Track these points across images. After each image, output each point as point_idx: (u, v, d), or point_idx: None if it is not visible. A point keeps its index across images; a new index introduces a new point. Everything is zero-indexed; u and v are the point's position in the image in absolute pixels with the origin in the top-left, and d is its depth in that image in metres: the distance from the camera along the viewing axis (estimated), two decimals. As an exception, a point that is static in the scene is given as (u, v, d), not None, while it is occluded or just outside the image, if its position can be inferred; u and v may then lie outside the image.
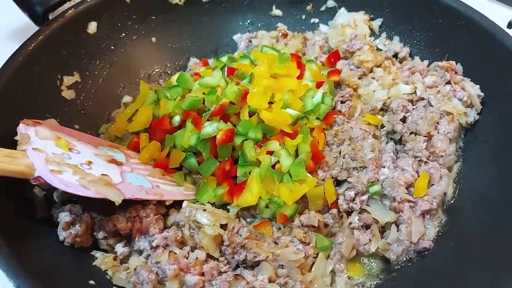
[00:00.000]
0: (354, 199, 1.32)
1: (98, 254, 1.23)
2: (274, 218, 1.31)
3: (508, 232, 1.14)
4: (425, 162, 1.39)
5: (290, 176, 1.31)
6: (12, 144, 1.22)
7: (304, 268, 1.24)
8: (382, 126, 1.51)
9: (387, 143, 1.49)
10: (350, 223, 1.29)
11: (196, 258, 1.15)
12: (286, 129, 1.38)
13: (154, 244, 1.18)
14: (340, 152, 1.41)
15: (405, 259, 1.27)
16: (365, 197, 1.32)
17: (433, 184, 1.35)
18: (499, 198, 1.24)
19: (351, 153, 1.39)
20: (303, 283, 1.19)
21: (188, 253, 1.19)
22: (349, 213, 1.33)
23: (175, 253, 1.15)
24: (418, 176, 1.35)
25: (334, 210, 1.34)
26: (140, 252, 1.21)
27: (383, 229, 1.31)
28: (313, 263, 1.26)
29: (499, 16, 1.49)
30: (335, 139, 1.43)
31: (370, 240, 1.27)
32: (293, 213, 1.28)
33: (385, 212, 1.30)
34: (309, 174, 1.33)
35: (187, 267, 1.13)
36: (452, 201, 1.36)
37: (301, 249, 1.24)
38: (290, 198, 1.27)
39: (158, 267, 1.11)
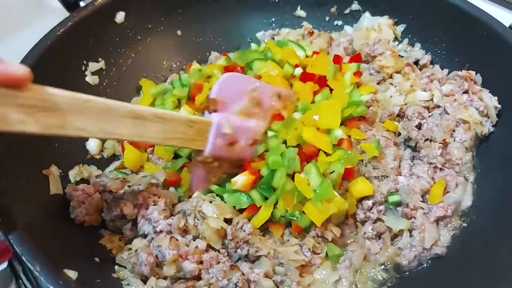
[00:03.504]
0: (371, 209, 1.31)
1: (105, 233, 1.28)
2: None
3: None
4: (441, 169, 1.37)
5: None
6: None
7: (305, 272, 1.23)
8: (399, 134, 1.50)
9: (404, 150, 1.49)
10: (365, 233, 1.29)
11: (196, 247, 1.18)
12: (327, 149, 1.33)
13: (158, 229, 1.22)
14: (362, 160, 1.40)
15: (416, 264, 1.25)
16: (382, 207, 1.32)
17: (449, 192, 1.33)
18: (508, 209, 1.24)
19: (373, 162, 1.38)
20: (300, 284, 1.18)
21: (189, 241, 1.22)
22: (363, 222, 1.32)
23: (177, 240, 1.18)
24: (434, 183, 1.34)
25: (351, 220, 1.33)
26: (145, 236, 1.25)
27: (395, 236, 1.31)
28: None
29: (500, 19, 1.47)
30: (357, 147, 1.41)
31: (381, 249, 1.27)
32: (309, 226, 1.26)
33: (398, 220, 1.30)
34: (336, 193, 1.26)
35: (186, 254, 1.15)
36: (467, 210, 1.34)
37: (309, 256, 1.24)
38: (319, 218, 1.23)
39: (158, 251, 1.15)
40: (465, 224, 1.32)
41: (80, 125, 0.95)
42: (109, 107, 1.00)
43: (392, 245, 1.29)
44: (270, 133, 1.38)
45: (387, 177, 1.36)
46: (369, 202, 1.31)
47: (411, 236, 1.26)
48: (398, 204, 1.32)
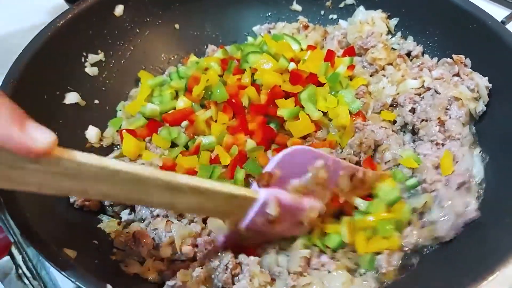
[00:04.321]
0: None
1: (104, 218, 1.33)
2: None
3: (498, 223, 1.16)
4: (443, 144, 1.40)
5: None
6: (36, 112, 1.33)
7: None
8: (394, 122, 1.54)
9: (404, 135, 1.52)
10: None
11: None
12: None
13: (155, 213, 1.26)
14: (373, 155, 1.42)
15: (454, 233, 1.22)
16: (405, 195, 1.33)
17: (458, 161, 1.35)
18: (496, 186, 1.29)
19: (381, 156, 1.41)
20: (295, 281, 1.13)
21: (185, 225, 1.25)
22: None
23: (173, 223, 1.22)
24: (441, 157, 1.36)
25: None
26: (143, 220, 1.29)
27: (421, 215, 1.29)
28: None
29: (493, 15, 1.51)
30: (362, 147, 1.40)
31: (411, 231, 1.25)
32: (338, 247, 1.22)
33: (419, 197, 1.30)
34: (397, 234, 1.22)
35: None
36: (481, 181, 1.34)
37: (326, 261, 1.19)
38: (364, 247, 1.19)
39: (155, 234, 1.19)
40: (484, 193, 1.32)
41: (106, 191, 0.86)
42: (140, 179, 0.87)
43: (423, 224, 1.27)
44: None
45: (399, 164, 1.37)
46: None
47: (441, 207, 1.24)
48: (417, 185, 1.33)
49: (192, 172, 1.36)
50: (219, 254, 1.16)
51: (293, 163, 1.10)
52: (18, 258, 1.34)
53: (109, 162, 0.83)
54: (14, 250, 1.35)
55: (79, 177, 0.81)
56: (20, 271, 1.30)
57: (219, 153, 1.40)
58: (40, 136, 0.71)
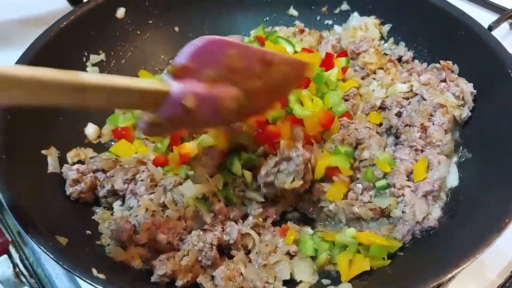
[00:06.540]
0: (362, 193, 1.39)
1: (98, 210, 1.38)
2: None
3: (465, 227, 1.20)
4: (422, 151, 1.44)
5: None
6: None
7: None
8: (381, 124, 1.58)
9: (387, 138, 1.56)
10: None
11: (167, 216, 1.28)
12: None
13: (140, 204, 1.31)
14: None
15: (410, 238, 1.28)
16: (372, 192, 1.38)
17: (432, 169, 1.39)
18: (475, 192, 1.32)
19: (360, 154, 1.45)
20: (266, 259, 1.22)
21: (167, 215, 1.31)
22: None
23: (154, 210, 1.28)
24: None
25: None
26: (130, 209, 1.35)
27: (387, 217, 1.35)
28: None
29: (479, 20, 1.55)
30: (344, 143, 1.45)
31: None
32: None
33: (385, 198, 1.35)
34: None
35: (160, 224, 1.25)
36: (454, 189, 1.39)
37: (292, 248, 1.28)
38: (347, 272, 1.19)
39: (136, 220, 1.25)
40: (453, 202, 1.36)
41: (15, 96, 0.85)
42: (45, 84, 0.86)
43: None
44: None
45: (374, 165, 1.41)
46: (360, 188, 1.38)
47: (403, 212, 1.31)
48: (386, 188, 1.37)
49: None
50: (199, 235, 1.22)
51: (206, 53, 1.06)
52: (16, 256, 1.41)
53: (12, 69, 0.81)
54: (11, 249, 1.42)
55: None
56: (17, 269, 1.37)
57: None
58: None
